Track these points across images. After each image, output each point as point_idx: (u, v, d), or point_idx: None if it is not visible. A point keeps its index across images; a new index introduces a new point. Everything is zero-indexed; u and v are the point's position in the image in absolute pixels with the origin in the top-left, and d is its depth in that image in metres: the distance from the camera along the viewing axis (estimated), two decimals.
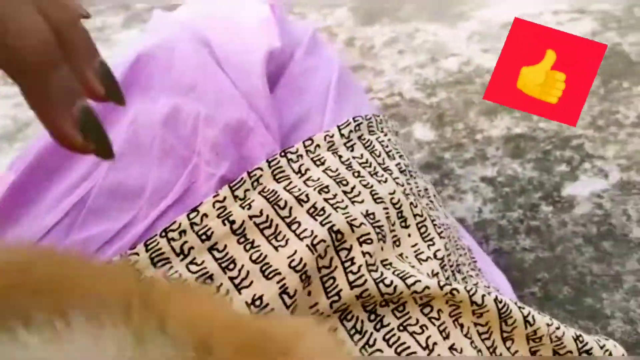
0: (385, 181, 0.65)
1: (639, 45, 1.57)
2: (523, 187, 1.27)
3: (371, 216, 0.61)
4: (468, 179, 1.32)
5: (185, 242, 0.57)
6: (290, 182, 0.61)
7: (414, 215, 0.66)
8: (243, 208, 0.59)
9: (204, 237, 0.58)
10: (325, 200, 0.60)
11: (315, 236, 0.57)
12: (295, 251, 0.56)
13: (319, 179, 0.64)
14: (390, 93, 1.64)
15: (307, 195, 0.61)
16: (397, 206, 0.64)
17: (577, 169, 1.23)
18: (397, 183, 0.66)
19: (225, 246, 0.57)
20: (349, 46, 1.95)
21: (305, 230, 0.58)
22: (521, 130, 1.38)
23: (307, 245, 0.56)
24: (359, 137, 0.68)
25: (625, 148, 1.24)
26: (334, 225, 0.59)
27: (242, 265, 0.56)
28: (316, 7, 2.27)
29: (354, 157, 0.65)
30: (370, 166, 0.65)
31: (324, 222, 0.59)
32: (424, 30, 1.94)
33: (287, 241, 0.58)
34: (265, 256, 0.56)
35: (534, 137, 1.35)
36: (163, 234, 0.58)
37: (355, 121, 0.70)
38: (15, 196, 0.65)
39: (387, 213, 0.63)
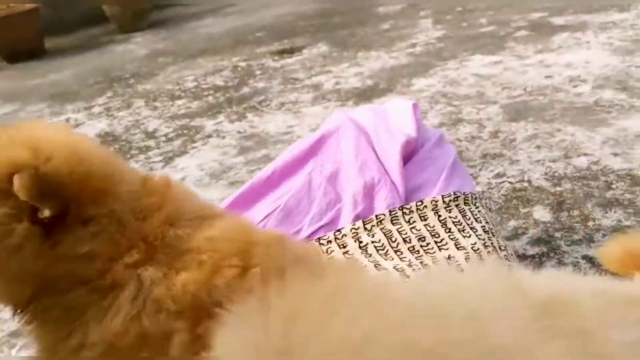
0: (469, 236, 1.02)
1: None
2: None
3: (453, 258, 0.98)
4: (571, 255, 1.52)
5: (330, 248, 1.01)
6: (402, 227, 0.98)
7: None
8: (368, 235, 1.02)
9: (341, 247, 1.01)
10: (421, 245, 0.94)
11: (410, 263, 0.96)
12: (393, 267, 0.95)
13: (419, 230, 1.05)
14: (520, 179, 1.86)
15: (410, 239, 1.02)
16: (477, 252, 0.99)
17: None
18: (479, 238, 1.02)
19: (353, 254, 1.00)
20: (493, 137, 2.17)
21: (404, 258, 0.98)
22: (630, 223, 1.57)
23: (398, 267, 0.95)
24: (456, 205, 1.01)
25: None
26: (423, 262, 0.97)
27: (364, 264, 0.97)
28: (471, 103, 2.51)
29: (449, 217, 1.05)
30: (460, 224, 1.03)
31: (417, 258, 0.98)
32: (564, 130, 2.14)
33: (392, 259, 0.97)
34: (378, 263, 0.96)
35: None
36: (318, 240, 1.03)
37: (455, 194, 1.08)
38: (241, 202, 1.16)
39: (466, 256, 0.98)
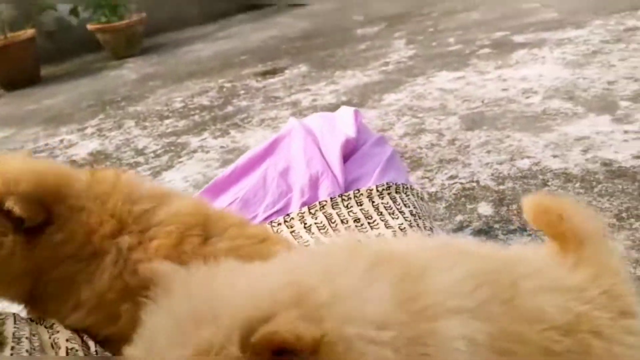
0: (397, 218, 1.20)
1: None
2: None
3: (382, 236, 1.20)
4: (506, 242, 1.72)
5: (280, 229, 1.22)
6: (340, 211, 1.18)
7: None
8: (312, 218, 1.27)
9: (289, 228, 1.23)
10: (355, 225, 1.13)
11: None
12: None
13: (355, 213, 1.32)
14: (470, 180, 2.08)
15: (347, 220, 1.25)
16: (403, 230, 1.20)
17: None
18: (406, 219, 1.23)
19: (299, 232, 1.22)
20: (450, 144, 2.40)
21: (341, 235, 1.20)
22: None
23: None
24: (388, 193, 1.20)
25: (634, 235, 1.61)
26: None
27: (307, 240, 1.16)
28: (434, 115, 2.75)
29: (381, 203, 1.22)
30: (390, 208, 1.17)
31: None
32: (512, 137, 2.38)
33: (330, 236, 1.20)
34: (319, 239, 1.18)
35: None
36: (270, 223, 1.26)
37: (387, 184, 1.30)
38: (206, 196, 1.40)
39: (394, 233, 1.19)
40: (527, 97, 2.74)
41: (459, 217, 1.88)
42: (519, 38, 3.71)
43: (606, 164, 2.00)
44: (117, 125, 3.63)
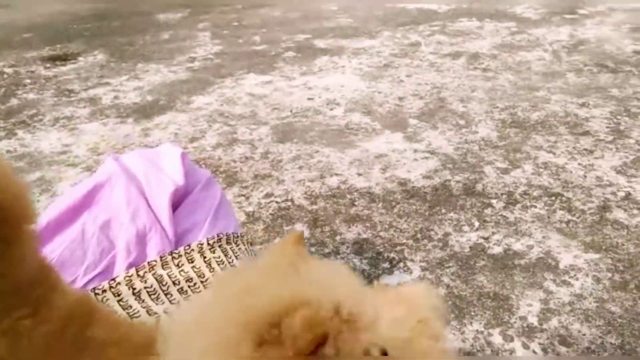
0: None
1: (460, 183, 2.25)
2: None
3: None
4: None
5: (105, 297, 1.11)
6: (171, 271, 1.18)
7: None
8: (141, 282, 1.16)
9: (116, 295, 1.12)
10: (188, 286, 1.16)
11: (178, 302, 1.13)
12: (164, 310, 1.10)
13: (187, 272, 1.26)
14: (285, 199, 2.15)
15: (179, 281, 1.20)
16: None
17: (395, 266, 1.84)
18: None
19: (128, 300, 1.11)
20: (263, 158, 2.42)
21: (174, 300, 1.13)
22: (367, 236, 1.96)
23: (167, 310, 1.11)
24: (219, 245, 1.23)
25: (428, 256, 1.87)
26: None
27: (137, 310, 1.09)
28: (245, 123, 2.71)
29: (213, 257, 1.23)
30: (222, 262, 1.21)
31: (185, 299, 1.14)
32: (321, 152, 2.48)
33: (163, 303, 1.12)
34: (150, 308, 1.11)
35: (374, 242, 1.94)
36: (93, 290, 1.13)
37: (218, 236, 1.26)
38: None
39: None
40: (332, 109, 2.93)
41: (278, 240, 1.96)
42: (320, 43, 3.91)
43: (402, 183, 2.26)
44: None
